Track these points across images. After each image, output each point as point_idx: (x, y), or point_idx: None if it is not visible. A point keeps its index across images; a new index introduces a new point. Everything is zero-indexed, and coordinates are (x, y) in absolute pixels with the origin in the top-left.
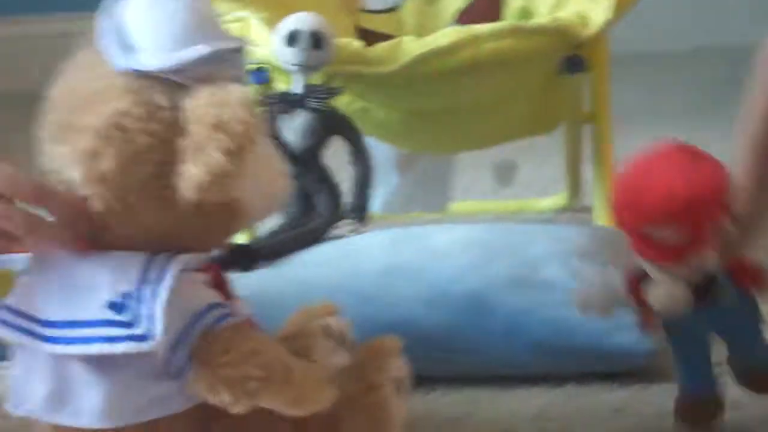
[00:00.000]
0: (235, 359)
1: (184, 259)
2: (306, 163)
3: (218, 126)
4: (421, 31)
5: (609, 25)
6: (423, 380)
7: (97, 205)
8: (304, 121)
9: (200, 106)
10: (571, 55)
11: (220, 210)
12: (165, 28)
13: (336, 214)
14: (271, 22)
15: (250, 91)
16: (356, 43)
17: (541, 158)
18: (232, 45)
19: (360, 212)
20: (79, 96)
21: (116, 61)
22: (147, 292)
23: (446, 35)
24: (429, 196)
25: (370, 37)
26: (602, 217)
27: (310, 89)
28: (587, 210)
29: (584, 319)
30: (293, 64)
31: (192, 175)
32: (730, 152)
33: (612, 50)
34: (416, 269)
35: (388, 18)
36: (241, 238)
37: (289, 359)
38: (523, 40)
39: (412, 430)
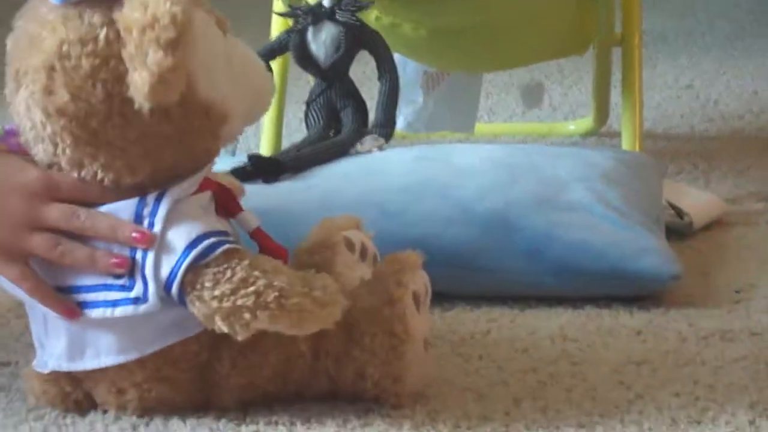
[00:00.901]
0: (225, 292)
1: (173, 195)
2: (333, 76)
3: (148, 25)
4: None
5: None
6: (443, 297)
7: (66, 141)
8: (332, 34)
9: (128, 13)
10: None
11: (193, 114)
12: None
13: (361, 130)
14: None
15: None
16: None
17: (569, 81)
18: None
19: (385, 129)
20: (25, 42)
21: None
22: (138, 254)
23: None
24: (455, 116)
25: None
26: (629, 142)
27: (339, 2)
28: (614, 134)
29: (608, 242)
30: None
31: (139, 80)
32: (757, 86)
33: None
34: (440, 187)
35: None
36: (265, 150)
37: (287, 280)
38: None
39: (431, 347)
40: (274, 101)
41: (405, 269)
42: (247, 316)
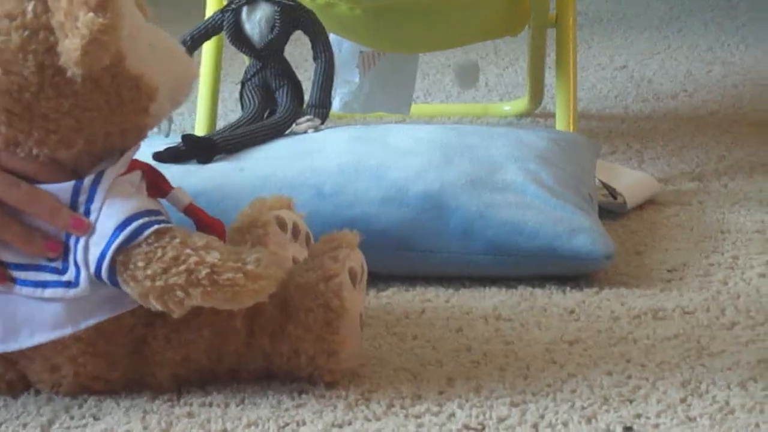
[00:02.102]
0: (156, 271)
1: (108, 179)
2: (268, 57)
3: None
4: None
5: None
6: (378, 278)
7: (0, 117)
8: (267, 14)
9: None
10: None
11: (122, 85)
12: None
13: (297, 110)
14: None
15: None
16: None
17: (504, 62)
18: None
19: (321, 109)
20: None
21: None
22: (73, 239)
23: None
24: (391, 97)
25: None
26: (563, 123)
27: None
28: (549, 115)
29: (541, 221)
30: None
31: (70, 46)
32: (690, 65)
33: None
34: (374, 168)
35: None
36: (200, 131)
37: (219, 256)
38: None
39: (365, 326)
40: (208, 81)
41: (342, 246)
42: (180, 293)
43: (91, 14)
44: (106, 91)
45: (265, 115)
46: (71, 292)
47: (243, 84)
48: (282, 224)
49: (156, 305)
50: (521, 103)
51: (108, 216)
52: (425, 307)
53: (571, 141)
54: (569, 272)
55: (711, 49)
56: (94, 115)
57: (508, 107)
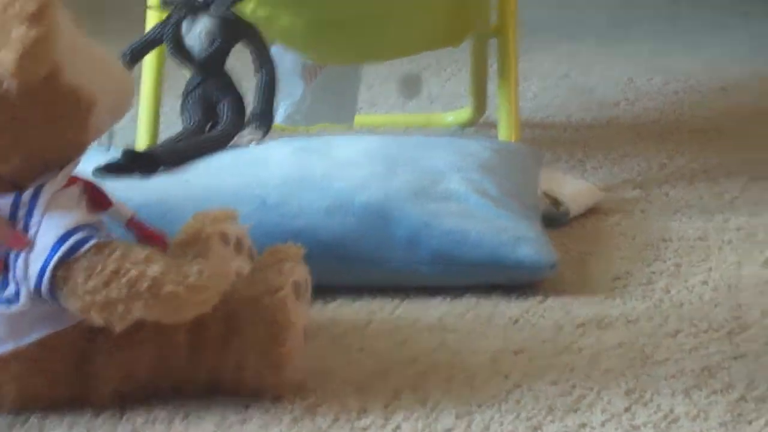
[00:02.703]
0: (97, 285)
1: (47, 193)
2: (209, 70)
3: (8, 3)
4: None
5: None
6: (323, 290)
7: None
8: (207, 27)
9: None
10: None
11: (60, 99)
12: None
13: (239, 123)
14: None
15: None
16: None
17: (447, 73)
18: None
19: (264, 121)
20: None
21: None
22: (12, 256)
23: None
24: (334, 108)
25: None
26: (506, 132)
27: None
28: (493, 125)
29: (484, 231)
30: None
31: (5, 59)
32: (632, 73)
33: None
34: (319, 179)
35: None
36: (141, 145)
37: (160, 269)
38: None
39: (311, 339)
40: (150, 94)
41: (286, 260)
42: (121, 307)
43: (24, 27)
44: (43, 104)
45: (207, 129)
46: (12, 308)
47: (184, 97)
48: (225, 238)
49: (97, 319)
50: (464, 113)
51: (47, 230)
52: (371, 319)
53: (514, 150)
54: (514, 281)
55: (652, 57)
56: (32, 129)
57: (452, 117)
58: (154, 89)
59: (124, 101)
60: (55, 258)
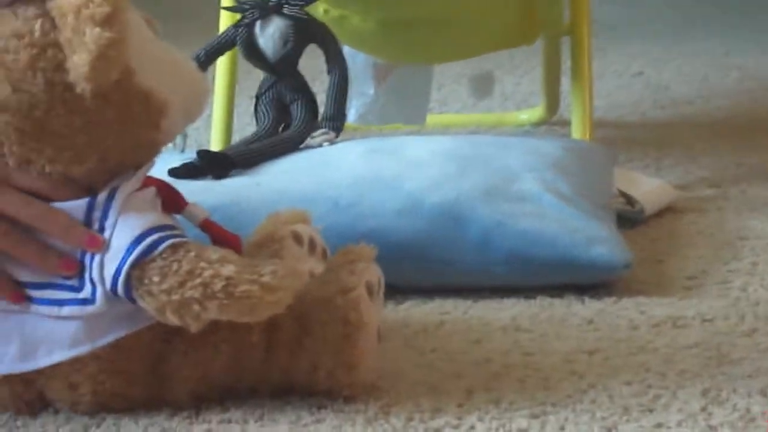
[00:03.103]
0: (173, 285)
1: (122, 195)
2: (282, 71)
3: (82, 5)
4: None
5: None
6: (395, 291)
7: (12, 138)
8: (280, 28)
9: (60, 4)
10: None
11: (132, 101)
12: None
13: (311, 124)
14: None
15: None
16: None
17: (520, 71)
18: None
19: (335, 122)
20: None
21: None
22: (88, 257)
23: None
24: (406, 108)
25: None
26: (579, 131)
27: None
28: (566, 123)
29: (558, 231)
30: None
31: (79, 62)
32: (707, 71)
33: None
34: (391, 179)
35: None
36: (215, 146)
37: (235, 268)
38: None
39: (383, 340)
40: (223, 96)
41: (359, 260)
42: (196, 307)
43: (97, 29)
44: (116, 106)
45: (280, 130)
46: (88, 309)
47: (257, 98)
48: (298, 238)
49: (173, 320)
50: (537, 112)
51: (122, 232)
52: (443, 320)
53: (587, 149)
54: (588, 281)
55: (727, 55)
56: (106, 131)
57: (524, 116)
58: (227, 91)
59: (198, 103)
60: (131, 258)
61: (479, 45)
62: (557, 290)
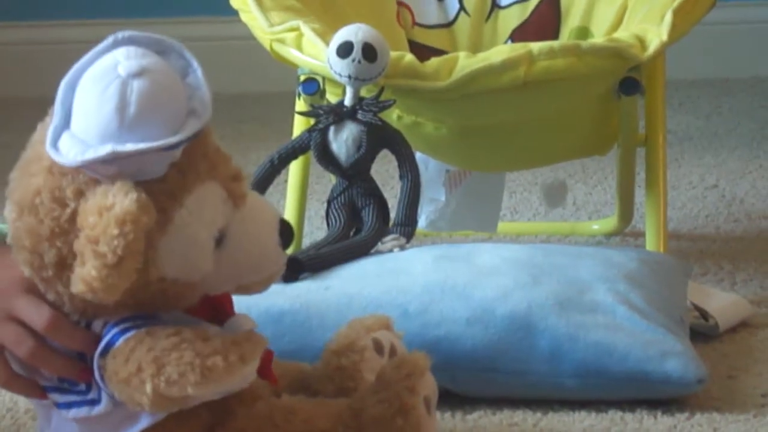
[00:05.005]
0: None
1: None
2: (354, 175)
3: (92, 238)
4: (475, 48)
5: (665, 47)
6: (465, 400)
7: (24, 269)
8: (354, 133)
9: (86, 211)
10: (627, 76)
11: (144, 287)
12: (90, 120)
13: (382, 229)
14: (325, 34)
15: (141, 198)
16: (409, 57)
17: (593, 181)
18: (157, 144)
19: (406, 227)
20: (24, 159)
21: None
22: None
23: (500, 52)
24: (477, 215)
25: (422, 51)
26: (653, 243)
27: (360, 101)
28: (639, 234)
29: (631, 344)
30: (345, 76)
31: (76, 277)
32: None
33: (669, 75)
34: (461, 287)
35: (441, 33)
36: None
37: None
38: (578, 60)
39: None
40: (295, 199)
41: (415, 374)
42: (144, 399)
43: (95, 268)
44: (136, 291)
45: (351, 234)
46: (95, 410)
47: (329, 202)
48: (379, 347)
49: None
50: (610, 222)
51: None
52: (513, 431)
53: (661, 262)
54: (660, 396)
55: None
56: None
57: (597, 226)
58: (299, 194)
59: (264, 280)
60: (98, 350)
61: (553, 154)
62: (629, 404)
